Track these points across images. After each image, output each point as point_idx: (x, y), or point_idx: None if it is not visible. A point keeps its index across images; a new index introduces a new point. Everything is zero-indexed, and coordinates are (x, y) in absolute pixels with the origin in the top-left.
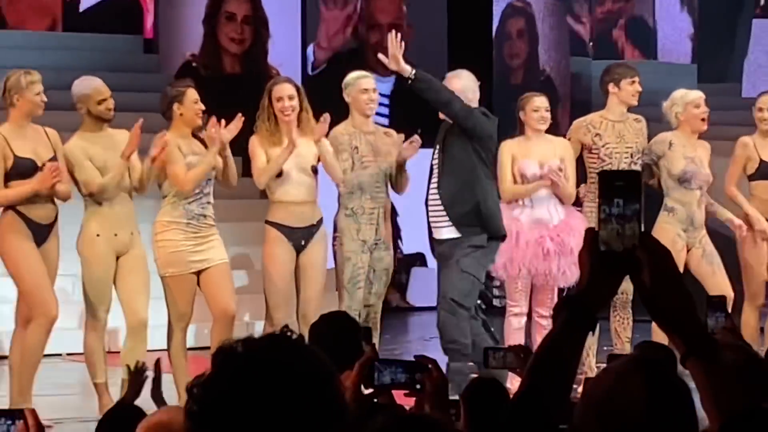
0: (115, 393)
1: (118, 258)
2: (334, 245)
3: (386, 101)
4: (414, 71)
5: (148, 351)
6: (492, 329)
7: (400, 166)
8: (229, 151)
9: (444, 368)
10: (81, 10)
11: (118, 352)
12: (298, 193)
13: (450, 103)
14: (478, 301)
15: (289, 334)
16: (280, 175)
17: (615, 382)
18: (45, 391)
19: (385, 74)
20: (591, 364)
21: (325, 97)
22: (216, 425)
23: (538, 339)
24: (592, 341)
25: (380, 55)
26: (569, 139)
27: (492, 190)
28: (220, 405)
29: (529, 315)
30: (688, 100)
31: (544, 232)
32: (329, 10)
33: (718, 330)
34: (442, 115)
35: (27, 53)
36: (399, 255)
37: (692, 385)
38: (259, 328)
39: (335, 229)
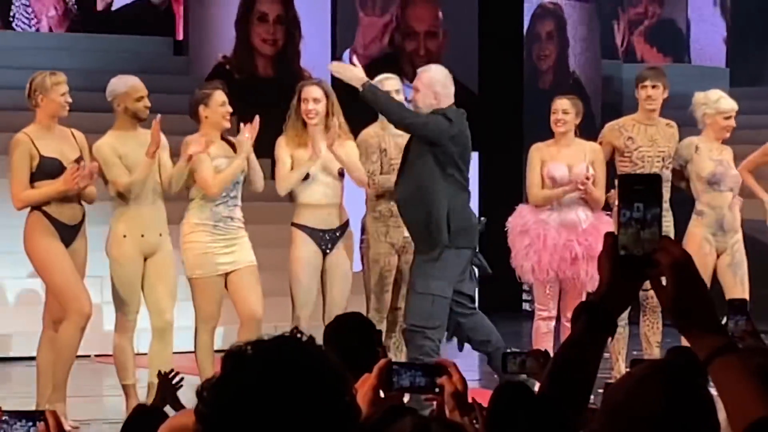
0: (142, 395)
1: (146, 259)
2: (361, 248)
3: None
4: (364, 84)
5: (174, 353)
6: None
7: None
8: (253, 156)
9: None
10: (113, 9)
11: (146, 354)
12: (323, 195)
13: (397, 117)
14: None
15: (299, 335)
16: (306, 177)
17: (633, 387)
18: (73, 392)
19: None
20: (620, 368)
21: (356, 102)
22: (226, 427)
23: None
24: (622, 345)
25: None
26: (600, 142)
27: (457, 197)
28: (230, 407)
29: (558, 319)
30: (720, 109)
31: (573, 236)
32: (368, 16)
33: (738, 333)
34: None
35: (57, 55)
36: None
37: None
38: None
39: (363, 232)
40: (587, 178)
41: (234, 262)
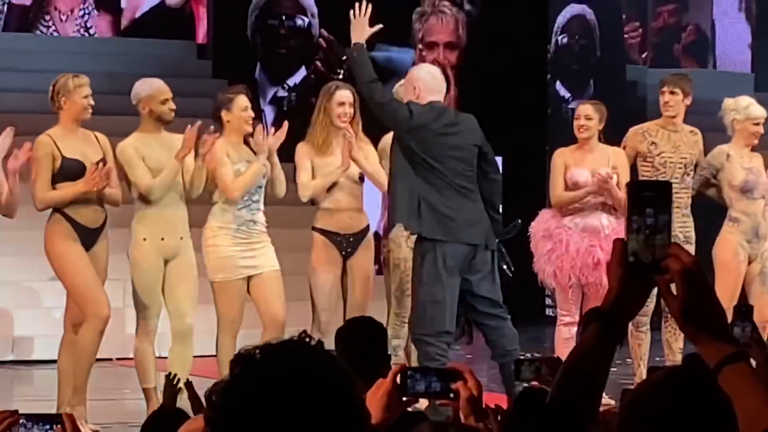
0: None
1: (167, 262)
2: (382, 252)
3: None
4: (356, 50)
5: (195, 357)
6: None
7: None
8: (276, 159)
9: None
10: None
11: (167, 357)
12: (344, 200)
13: (366, 89)
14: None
15: (307, 339)
16: (332, 186)
17: (651, 394)
18: (94, 395)
19: None
20: (642, 374)
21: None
22: (233, 431)
23: None
24: (644, 351)
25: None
26: (624, 147)
27: (433, 188)
28: (237, 411)
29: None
30: (750, 115)
31: (595, 241)
32: None
33: (744, 340)
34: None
35: (81, 58)
36: None
37: None
38: None
39: (383, 236)
40: (609, 176)
41: (257, 266)
